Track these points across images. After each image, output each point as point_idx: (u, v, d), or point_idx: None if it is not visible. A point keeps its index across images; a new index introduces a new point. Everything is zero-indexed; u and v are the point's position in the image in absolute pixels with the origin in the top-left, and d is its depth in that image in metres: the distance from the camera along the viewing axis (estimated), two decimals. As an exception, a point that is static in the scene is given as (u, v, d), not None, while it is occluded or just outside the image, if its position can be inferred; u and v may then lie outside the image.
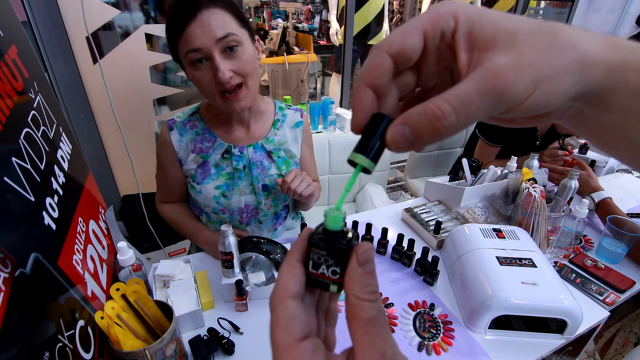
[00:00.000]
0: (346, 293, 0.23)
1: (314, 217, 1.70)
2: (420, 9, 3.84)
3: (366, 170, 0.23)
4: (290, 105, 1.07)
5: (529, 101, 0.20)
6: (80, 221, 0.74)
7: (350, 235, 0.25)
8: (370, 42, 3.16)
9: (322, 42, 4.03)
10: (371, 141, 0.23)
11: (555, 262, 1.02)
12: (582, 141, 1.69)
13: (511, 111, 0.20)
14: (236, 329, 0.78)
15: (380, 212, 1.25)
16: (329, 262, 0.24)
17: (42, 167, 0.63)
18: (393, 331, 0.79)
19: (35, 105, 0.69)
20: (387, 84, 0.23)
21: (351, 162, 0.23)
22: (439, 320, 0.82)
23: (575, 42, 0.20)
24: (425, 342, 0.77)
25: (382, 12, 3.07)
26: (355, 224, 1.06)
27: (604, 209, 1.14)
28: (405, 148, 0.22)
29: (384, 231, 1.02)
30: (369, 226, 1.08)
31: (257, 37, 0.88)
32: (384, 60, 0.22)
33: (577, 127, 0.24)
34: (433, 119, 0.20)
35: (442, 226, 1.07)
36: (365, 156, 0.23)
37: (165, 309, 0.68)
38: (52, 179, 0.66)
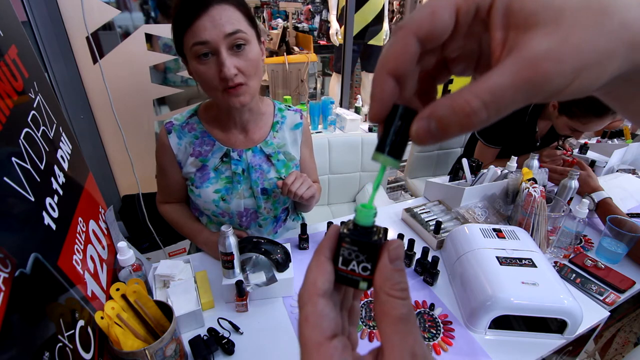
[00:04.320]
0: (376, 290, 0.23)
1: (314, 218, 1.70)
2: (420, 9, 3.83)
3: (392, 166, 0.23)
4: (289, 106, 1.06)
5: (568, 90, 0.18)
6: (80, 221, 0.74)
7: (381, 231, 0.25)
8: (370, 42, 3.16)
9: (322, 42, 4.03)
10: (394, 138, 0.22)
11: (555, 262, 1.02)
12: (582, 141, 1.69)
13: (546, 100, 0.19)
14: (236, 329, 0.78)
15: (380, 212, 1.25)
16: (360, 258, 0.24)
17: (42, 167, 0.63)
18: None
19: (35, 105, 0.69)
20: (411, 70, 0.21)
21: (376, 160, 0.23)
22: (439, 320, 0.82)
23: (627, 20, 0.17)
24: (425, 342, 0.77)
25: (382, 12, 3.08)
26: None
27: (603, 209, 1.14)
28: (431, 142, 0.20)
29: (384, 231, 1.02)
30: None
31: (262, 38, 0.88)
32: (410, 44, 0.20)
33: (613, 102, 0.23)
34: (462, 116, 0.18)
35: (442, 226, 1.07)
36: (390, 156, 0.22)
37: (165, 309, 0.68)
38: (52, 179, 0.66)
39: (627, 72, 0.19)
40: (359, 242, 0.24)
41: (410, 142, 0.22)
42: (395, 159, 0.22)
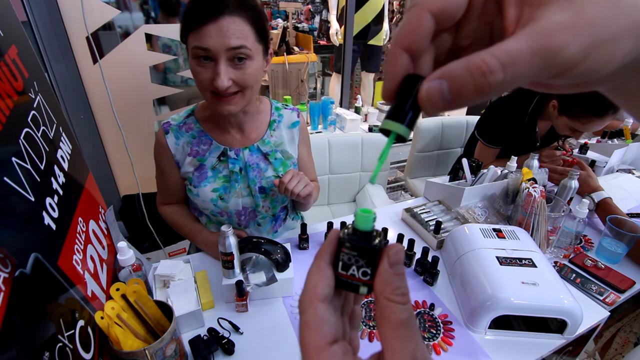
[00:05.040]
0: (376, 295, 0.23)
1: (314, 217, 1.70)
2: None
3: (401, 139, 0.22)
4: (287, 105, 1.06)
5: (582, 66, 0.18)
6: (80, 221, 0.74)
7: (380, 235, 0.24)
8: (370, 42, 3.16)
9: (322, 42, 4.03)
10: (405, 105, 0.21)
11: (555, 262, 1.02)
12: (582, 141, 1.69)
13: (560, 76, 0.18)
14: (236, 329, 0.78)
15: (380, 212, 1.25)
16: (359, 263, 0.24)
17: (42, 167, 0.63)
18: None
19: (35, 105, 0.69)
20: (425, 47, 0.21)
21: (384, 131, 0.22)
22: (439, 320, 0.82)
23: (639, 2, 0.17)
24: (425, 342, 0.77)
25: (382, 12, 3.08)
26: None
27: (603, 209, 1.14)
28: (440, 107, 0.19)
29: (384, 231, 1.01)
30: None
31: (270, 51, 0.89)
32: (424, 20, 0.20)
33: (620, 97, 0.23)
34: (477, 74, 0.17)
35: (442, 226, 1.07)
36: (399, 122, 0.21)
37: (165, 309, 0.68)
38: (52, 179, 0.66)
39: (636, 61, 0.19)
40: (359, 247, 0.23)
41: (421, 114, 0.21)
42: (403, 126, 0.21)
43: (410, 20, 0.20)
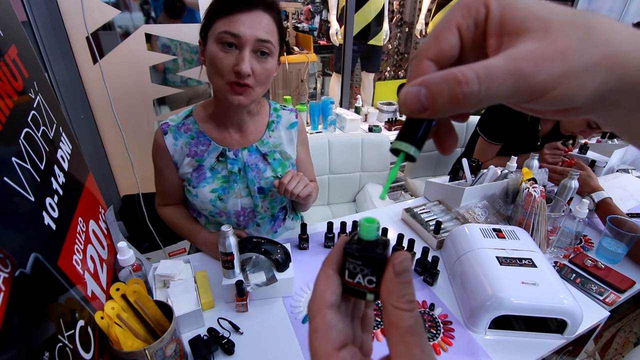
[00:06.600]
0: (383, 302, 0.23)
1: (314, 218, 1.70)
2: (420, 9, 3.84)
3: (410, 158, 0.23)
4: (285, 106, 1.07)
5: (554, 94, 0.19)
6: (80, 221, 0.74)
7: (385, 244, 0.25)
8: (370, 42, 3.16)
9: (322, 42, 4.03)
10: (414, 128, 0.22)
11: (555, 262, 1.02)
12: (583, 141, 1.69)
13: (534, 101, 0.19)
14: (236, 329, 0.78)
15: (380, 212, 1.25)
16: (364, 272, 0.24)
17: (42, 167, 0.63)
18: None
19: (35, 105, 0.69)
20: None
21: (394, 151, 0.23)
22: (439, 320, 0.82)
23: (612, 38, 0.18)
24: (425, 342, 0.77)
25: (382, 12, 3.07)
26: (355, 224, 1.06)
27: (603, 209, 1.15)
28: (416, 111, 0.20)
29: (384, 231, 1.02)
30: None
31: (282, 58, 0.91)
32: (425, 66, 0.22)
33: (610, 124, 0.23)
34: (453, 83, 0.19)
35: (442, 226, 1.07)
36: (408, 143, 0.22)
37: (165, 309, 0.68)
38: (52, 179, 0.66)
39: (615, 93, 0.19)
40: (363, 257, 0.24)
41: (430, 133, 0.23)
42: (413, 146, 0.22)
43: (414, 70, 0.22)
